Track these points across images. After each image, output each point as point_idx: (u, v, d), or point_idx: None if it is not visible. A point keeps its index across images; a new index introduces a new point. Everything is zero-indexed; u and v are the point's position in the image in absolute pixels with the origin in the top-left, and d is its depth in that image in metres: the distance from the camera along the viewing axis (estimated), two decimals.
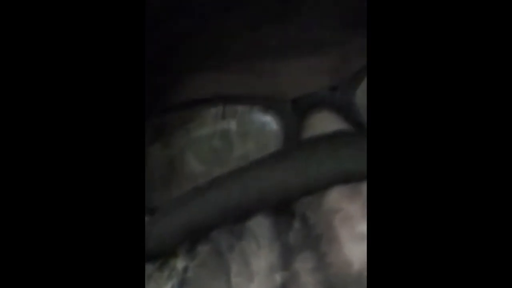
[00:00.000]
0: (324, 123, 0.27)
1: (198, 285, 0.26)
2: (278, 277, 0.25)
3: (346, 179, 0.25)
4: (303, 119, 0.27)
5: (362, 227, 0.25)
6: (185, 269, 0.26)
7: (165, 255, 0.26)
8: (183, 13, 0.28)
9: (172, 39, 0.28)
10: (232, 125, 0.28)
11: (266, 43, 0.28)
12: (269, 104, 0.28)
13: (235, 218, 0.26)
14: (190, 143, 0.28)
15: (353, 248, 0.24)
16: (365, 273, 0.24)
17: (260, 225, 0.26)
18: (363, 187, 0.25)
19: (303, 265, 0.25)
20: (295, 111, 0.27)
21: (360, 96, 0.27)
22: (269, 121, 0.28)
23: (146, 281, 0.26)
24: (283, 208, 0.26)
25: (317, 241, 0.25)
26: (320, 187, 0.25)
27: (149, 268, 0.26)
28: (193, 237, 0.26)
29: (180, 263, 0.26)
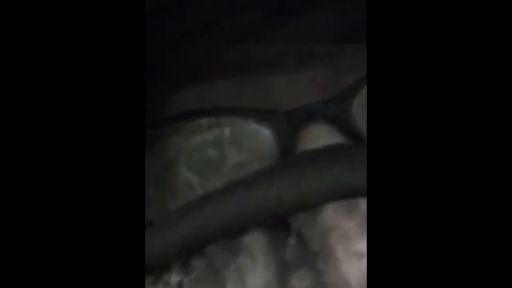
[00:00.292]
0: (319, 135, 0.27)
1: None
2: None
3: (342, 195, 0.25)
4: (298, 131, 0.27)
5: (359, 245, 0.24)
6: (180, 284, 0.26)
7: (159, 269, 0.26)
8: (174, 25, 0.27)
9: (163, 51, 0.28)
10: (226, 134, 0.28)
11: (258, 56, 0.28)
12: (262, 116, 0.27)
13: (230, 233, 0.26)
14: (183, 153, 0.28)
15: (350, 267, 0.24)
16: None
17: (256, 240, 0.26)
18: (360, 203, 0.25)
19: (300, 282, 0.25)
20: (289, 123, 0.27)
21: (357, 108, 0.27)
22: (263, 130, 0.28)
23: None
24: (279, 224, 0.26)
25: (313, 258, 0.25)
26: (316, 203, 0.25)
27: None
28: (188, 252, 0.26)
29: (174, 278, 0.26)
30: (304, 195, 0.25)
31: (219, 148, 0.28)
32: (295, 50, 0.28)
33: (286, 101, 0.27)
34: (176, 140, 0.28)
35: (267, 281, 0.25)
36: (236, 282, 0.25)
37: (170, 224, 0.26)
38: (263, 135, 0.28)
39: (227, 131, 0.28)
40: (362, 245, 0.24)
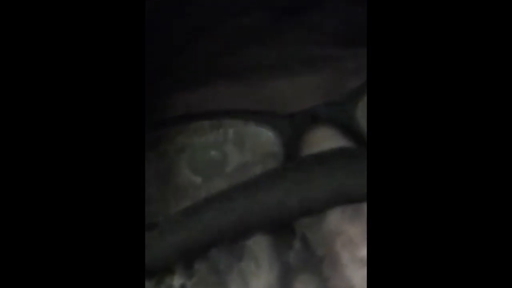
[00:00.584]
0: (323, 138, 0.27)
1: None
2: None
3: (347, 199, 0.25)
4: (302, 134, 0.27)
5: (364, 251, 0.24)
6: (183, 287, 0.26)
7: (161, 272, 0.26)
8: (178, 27, 0.27)
9: (167, 52, 0.27)
10: (229, 135, 0.28)
11: (261, 58, 0.28)
12: (266, 118, 0.27)
13: (234, 237, 0.26)
14: (186, 154, 0.28)
15: (355, 273, 0.24)
16: None
17: (259, 244, 0.26)
18: (365, 208, 0.25)
19: (303, 287, 0.25)
20: (293, 126, 0.27)
21: (361, 111, 0.27)
22: (266, 132, 0.28)
23: None
24: (283, 228, 0.25)
25: (318, 264, 0.25)
26: (320, 208, 0.25)
27: (145, 284, 0.26)
28: (191, 255, 0.26)
29: (177, 281, 0.26)
30: (308, 199, 0.25)
31: (223, 150, 0.28)
32: (298, 53, 0.28)
33: (290, 104, 0.27)
34: (180, 141, 0.28)
35: (270, 285, 0.25)
36: (239, 286, 0.25)
37: (173, 226, 0.26)
38: (266, 136, 0.27)
39: (230, 132, 0.28)
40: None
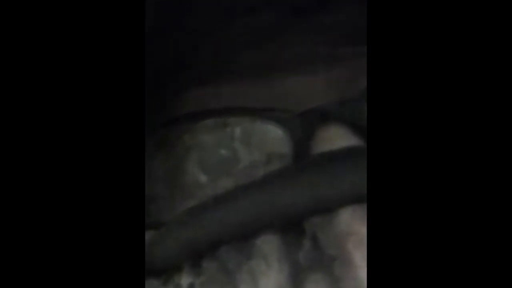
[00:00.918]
0: (334, 136, 0.27)
1: None
2: None
3: (358, 198, 0.25)
4: (312, 132, 0.27)
5: None
6: (191, 286, 0.26)
7: (170, 271, 0.26)
8: (189, 25, 0.27)
9: (178, 51, 0.27)
10: (237, 134, 0.28)
11: (273, 57, 0.27)
12: (276, 116, 0.27)
13: (243, 235, 0.25)
14: (194, 153, 0.28)
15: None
16: None
17: (269, 243, 0.25)
18: None
19: (314, 286, 0.25)
20: (304, 124, 0.27)
21: None
22: (275, 130, 0.27)
23: None
24: (293, 227, 0.25)
25: (328, 263, 0.24)
26: (331, 207, 0.25)
27: (153, 283, 0.26)
28: (199, 254, 0.26)
29: (185, 280, 0.26)
30: (318, 198, 0.25)
31: (231, 148, 0.28)
32: (309, 52, 0.28)
33: (301, 102, 0.27)
34: (188, 139, 0.28)
35: (280, 284, 0.25)
36: (248, 285, 0.25)
37: (181, 225, 0.26)
38: (275, 135, 0.27)
39: (238, 130, 0.28)
40: None
